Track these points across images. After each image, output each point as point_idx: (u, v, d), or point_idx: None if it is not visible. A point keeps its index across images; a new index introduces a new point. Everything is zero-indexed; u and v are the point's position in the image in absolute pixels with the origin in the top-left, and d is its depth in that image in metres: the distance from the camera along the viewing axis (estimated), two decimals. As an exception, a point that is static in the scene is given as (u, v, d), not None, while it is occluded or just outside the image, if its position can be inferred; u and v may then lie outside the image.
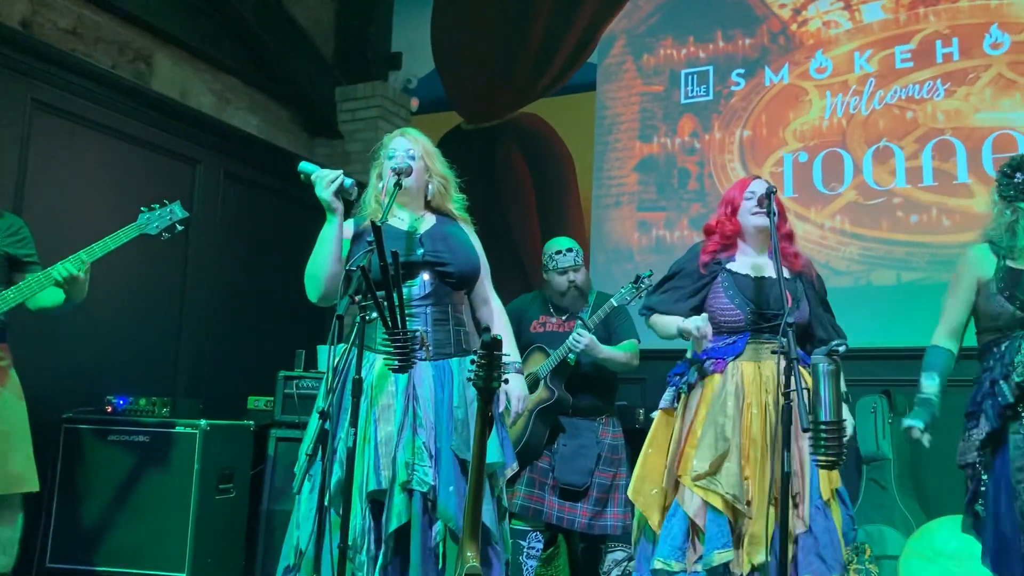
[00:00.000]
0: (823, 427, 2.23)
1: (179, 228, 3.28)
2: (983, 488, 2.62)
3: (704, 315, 2.78)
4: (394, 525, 2.40)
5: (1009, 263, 2.73)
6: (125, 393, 4.12)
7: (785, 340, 2.36)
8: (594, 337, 3.58)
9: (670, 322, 2.86)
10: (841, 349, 2.43)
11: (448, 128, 6.06)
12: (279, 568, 2.50)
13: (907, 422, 2.76)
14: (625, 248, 5.40)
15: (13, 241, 3.10)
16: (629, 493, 2.89)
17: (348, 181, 2.56)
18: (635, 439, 4.03)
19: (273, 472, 4.18)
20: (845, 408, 2.80)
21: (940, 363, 2.81)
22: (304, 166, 2.59)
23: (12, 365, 3.09)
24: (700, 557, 2.65)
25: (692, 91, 5.36)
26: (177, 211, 3.26)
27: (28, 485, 3.02)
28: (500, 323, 2.78)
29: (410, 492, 2.43)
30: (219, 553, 3.95)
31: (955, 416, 2.84)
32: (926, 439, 2.72)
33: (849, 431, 2.76)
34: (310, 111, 5.97)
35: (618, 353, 3.67)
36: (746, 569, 2.58)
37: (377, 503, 2.44)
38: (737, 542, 2.63)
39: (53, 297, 3.04)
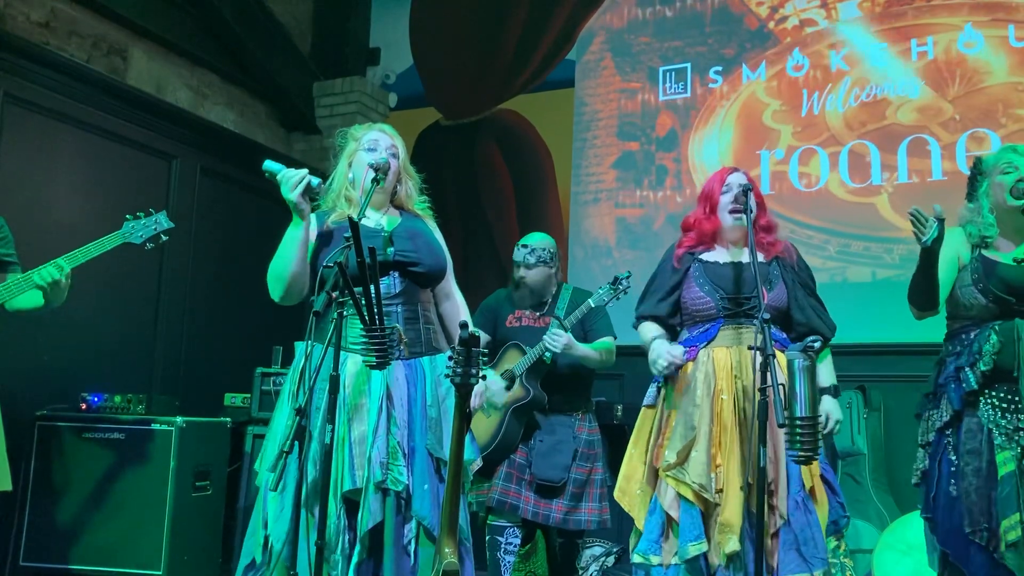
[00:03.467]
0: (799, 423, 2.25)
1: (163, 239, 3.30)
2: (953, 468, 2.68)
3: (671, 346, 2.79)
4: (369, 524, 2.40)
5: (984, 252, 2.78)
6: (100, 390, 4.08)
7: (760, 329, 2.37)
8: (571, 336, 3.58)
9: (647, 340, 2.90)
10: (816, 345, 2.46)
11: (427, 124, 6.05)
12: (240, 566, 2.48)
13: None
14: (603, 244, 5.41)
15: None
16: (615, 494, 2.88)
17: (315, 181, 2.52)
18: (612, 435, 4.06)
19: (250, 469, 4.16)
20: (834, 402, 2.83)
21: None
22: (268, 165, 2.54)
23: None
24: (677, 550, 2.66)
25: (670, 88, 5.38)
26: (163, 221, 3.29)
27: (0, 484, 2.99)
28: (465, 317, 2.76)
29: (384, 491, 2.43)
30: (195, 551, 3.93)
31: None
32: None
33: (832, 425, 2.79)
34: (288, 106, 5.94)
35: (593, 352, 3.67)
36: (722, 560, 2.57)
37: (351, 502, 2.43)
38: (711, 532, 2.63)
39: (32, 300, 3.03)
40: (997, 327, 2.67)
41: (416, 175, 2.82)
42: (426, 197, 2.83)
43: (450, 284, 2.81)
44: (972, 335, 2.72)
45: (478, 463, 2.68)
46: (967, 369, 2.67)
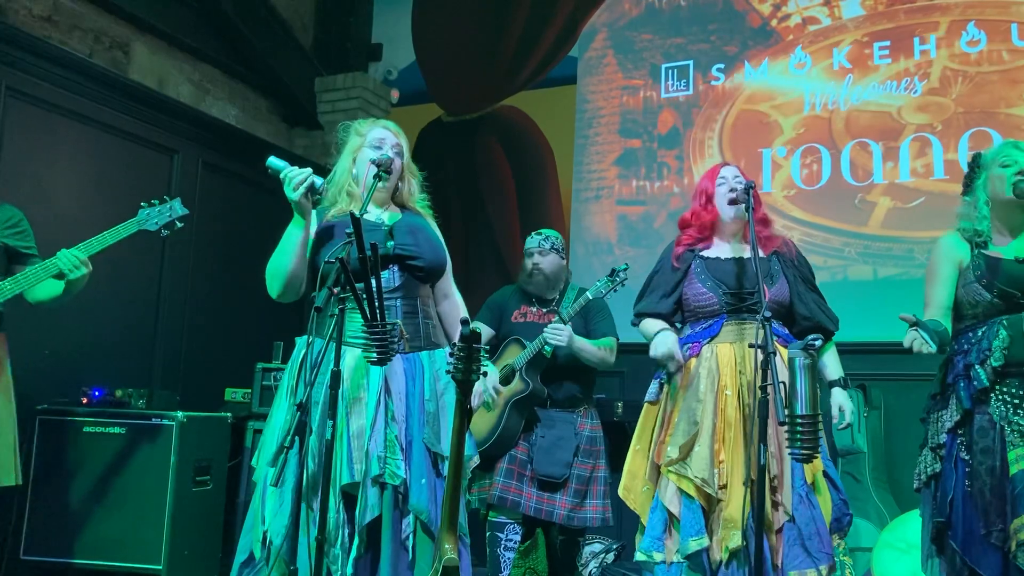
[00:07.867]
0: (799, 421, 2.25)
1: (178, 225, 3.31)
2: (968, 468, 2.63)
3: (671, 339, 2.79)
4: (367, 518, 2.40)
5: (983, 251, 2.76)
6: (101, 384, 4.09)
7: (760, 326, 2.37)
8: (570, 328, 3.58)
9: (651, 333, 2.88)
10: (818, 343, 2.46)
11: (428, 120, 6.05)
12: (236, 562, 2.47)
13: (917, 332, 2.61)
14: (604, 241, 5.41)
15: (12, 233, 3.15)
16: (620, 492, 2.87)
17: (319, 181, 2.52)
18: (612, 432, 4.06)
19: (250, 464, 4.16)
20: (845, 393, 2.83)
21: (931, 323, 2.71)
22: (272, 162, 2.53)
23: (7, 356, 3.12)
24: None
25: (672, 85, 5.38)
26: (177, 208, 3.30)
27: (5, 478, 3.02)
28: (463, 316, 2.75)
29: (382, 485, 2.43)
30: (196, 545, 3.94)
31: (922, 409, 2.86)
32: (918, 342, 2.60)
33: (848, 417, 2.79)
34: (289, 102, 5.93)
35: (591, 346, 3.65)
36: (724, 555, 2.56)
37: (350, 496, 2.44)
38: (714, 527, 2.62)
39: (51, 289, 3.07)
40: (1005, 322, 2.64)
41: (418, 174, 2.82)
42: (427, 195, 2.83)
43: (448, 284, 2.80)
44: (980, 332, 2.70)
45: (476, 459, 2.68)
46: (977, 366, 2.64)
